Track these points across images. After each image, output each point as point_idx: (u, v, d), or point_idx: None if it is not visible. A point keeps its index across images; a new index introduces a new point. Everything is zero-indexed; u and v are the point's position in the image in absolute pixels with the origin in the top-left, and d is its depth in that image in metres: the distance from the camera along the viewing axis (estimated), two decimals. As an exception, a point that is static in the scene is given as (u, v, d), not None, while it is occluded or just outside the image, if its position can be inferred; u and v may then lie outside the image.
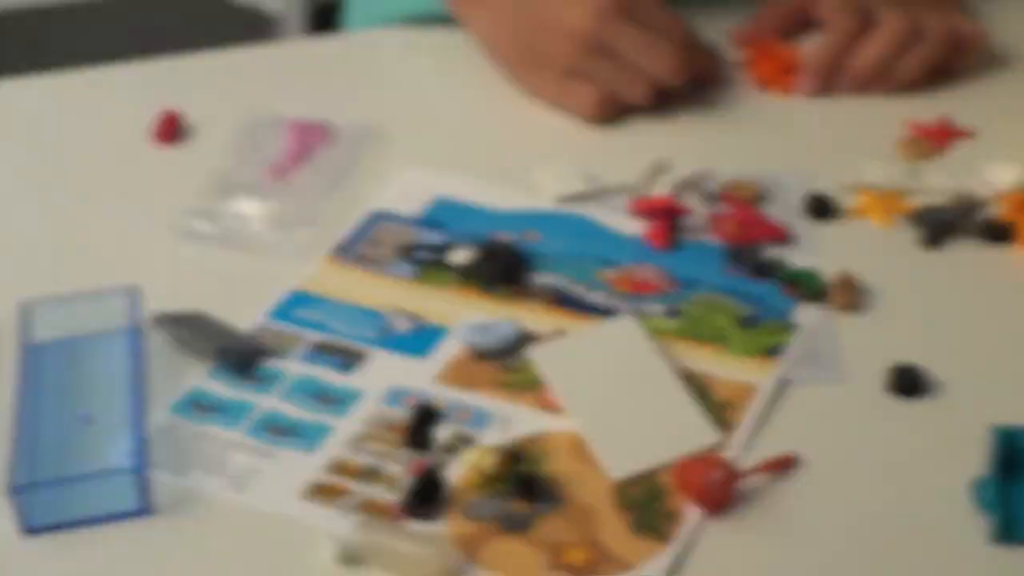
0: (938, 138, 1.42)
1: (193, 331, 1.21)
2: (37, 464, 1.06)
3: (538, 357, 1.16)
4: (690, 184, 1.33)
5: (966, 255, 1.29)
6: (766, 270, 1.25)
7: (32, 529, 1.01)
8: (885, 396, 1.16)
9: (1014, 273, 1.27)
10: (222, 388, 1.18)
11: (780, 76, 1.51)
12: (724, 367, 1.18)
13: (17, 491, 1.01)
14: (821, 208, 1.32)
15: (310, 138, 1.43)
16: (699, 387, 1.15)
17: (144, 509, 1.05)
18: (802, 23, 1.55)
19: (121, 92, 1.50)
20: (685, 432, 1.12)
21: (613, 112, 1.44)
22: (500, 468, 1.07)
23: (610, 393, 1.14)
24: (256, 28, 2.66)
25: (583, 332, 1.19)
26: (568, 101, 1.45)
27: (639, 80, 1.45)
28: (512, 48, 1.49)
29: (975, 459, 1.05)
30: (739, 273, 1.26)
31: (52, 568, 1.01)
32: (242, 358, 1.19)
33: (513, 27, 1.49)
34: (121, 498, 1.04)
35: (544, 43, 1.46)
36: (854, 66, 1.48)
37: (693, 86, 1.48)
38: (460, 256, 1.27)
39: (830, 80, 1.49)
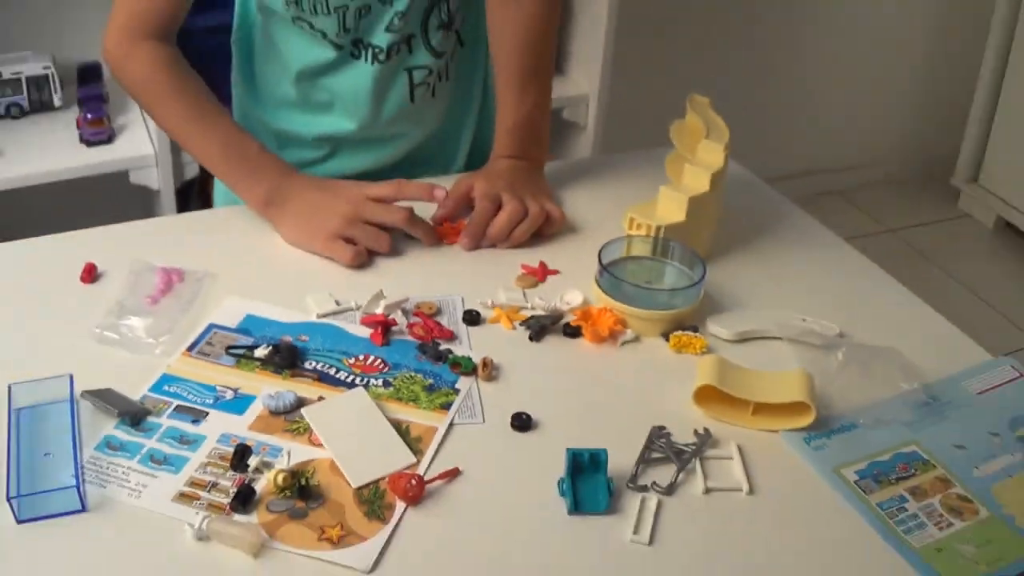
0: (539, 274, 1.49)
1: (106, 400, 1.24)
2: (22, 482, 1.12)
3: (307, 414, 1.21)
4: (395, 305, 1.38)
5: (555, 346, 1.37)
6: (441, 357, 1.30)
7: (21, 521, 1.07)
8: (510, 431, 1.25)
9: (581, 356, 1.36)
10: (124, 435, 1.21)
11: (451, 235, 1.57)
12: (417, 417, 1.23)
13: (12, 498, 1.07)
14: (472, 319, 1.38)
15: (172, 278, 1.46)
16: (403, 429, 1.21)
17: (82, 509, 1.11)
18: (470, 204, 1.60)
19: (62, 251, 1.53)
20: (395, 457, 1.20)
21: (362, 260, 1.48)
22: (287, 482, 1.14)
23: (350, 435, 1.20)
24: (146, 198, 2.60)
25: (334, 399, 1.24)
26: (336, 256, 1.50)
27: (382, 238, 1.51)
28: (302, 234, 1.54)
29: (560, 466, 1.15)
30: (425, 359, 1.31)
31: (35, 543, 1.06)
32: (134, 416, 1.23)
33: (301, 222, 1.55)
34: (70, 502, 1.11)
35: (320, 224, 1.52)
36: (489, 234, 1.55)
37: (405, 242, 1.54)
38: (261, 352, 1.29)
39: (476, 240, 1.55)
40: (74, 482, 1.07)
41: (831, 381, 1.29)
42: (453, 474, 1.14)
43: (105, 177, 2.58)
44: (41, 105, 2.72)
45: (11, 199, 2.52)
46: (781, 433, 1.21)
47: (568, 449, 1.11)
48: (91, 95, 2.65)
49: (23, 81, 2.67)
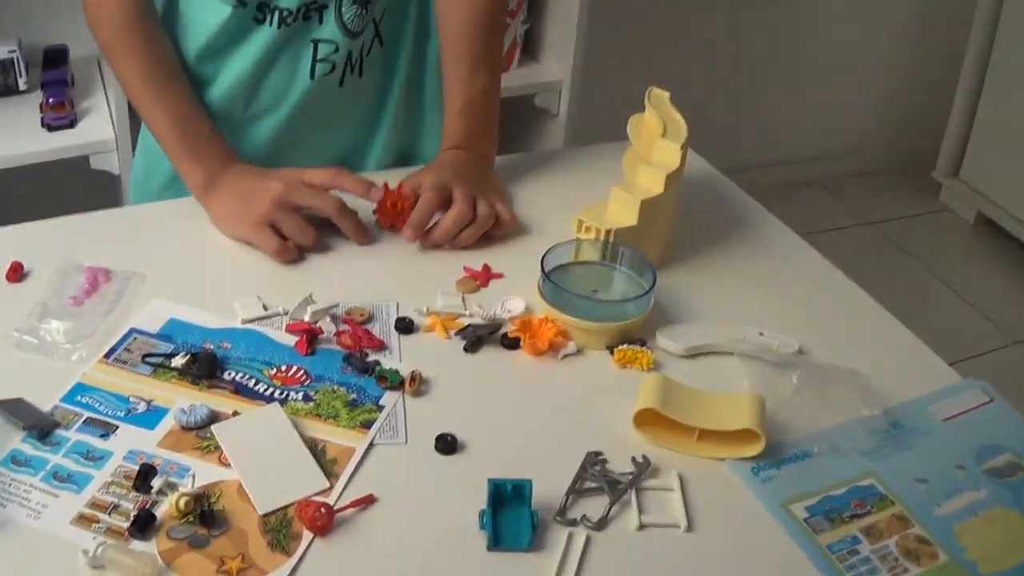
0: (481, 278, 1.41)
1: (13, 411, 1.18)
2: None
3: (217, 431, 1.14)
4: (323, 311, 1.31)
5: (491, 358, 1.29)
6: (367, 369, 1.23)
7: None
8: (434, 454, 1.17)
9: (519, 370, 1.28)
10: (30, 449, 1.15)
11: (396, 220, 1.49)
12: (336, 436, 1.16)
13: None
14: (405, 326, 1.31)
15: (98, 278, 1.40)
16: (319, 450, 1.14)
17: None
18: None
19: None
20: (306, 481, 1.13)
21: (289, 255, 1.44)
22: (189, 506, 1.07)
23: (260, 456, 1.13)
24: (108, 184, 2.57)
25: (247, 415, 1.17)
26: (261, 243, 1.45)
27: (307, 231, 1.45)
28: (231, 217, 1.48)
29: (483, 497, 1.07)
30: (350, 371, 1.24)
31: None
32: (42, 430, 1.17)
33: (233, 205, 1.48)
34: None
35: (250, 208, 1.45)
36: (433, 236, 1.48)
37: (342, 241, 1.48)
38: (178, 360, 1.26)
39: (420, 230, 1.48)
40: None
41: (785, 404, 1.21)
42: (367, 501, 1.07)
43: (66, 163, 2.52)
44: (6, 89, 2.67)
45: None
46: (727, 462, 1.13)
47: (489, 480, 1.03)
48: (55, 79, 2.60)
49: None
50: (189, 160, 1.48)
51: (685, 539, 1.08)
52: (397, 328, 1.31)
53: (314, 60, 1.54)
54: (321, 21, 1.51)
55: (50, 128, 2.55)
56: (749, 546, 1.08)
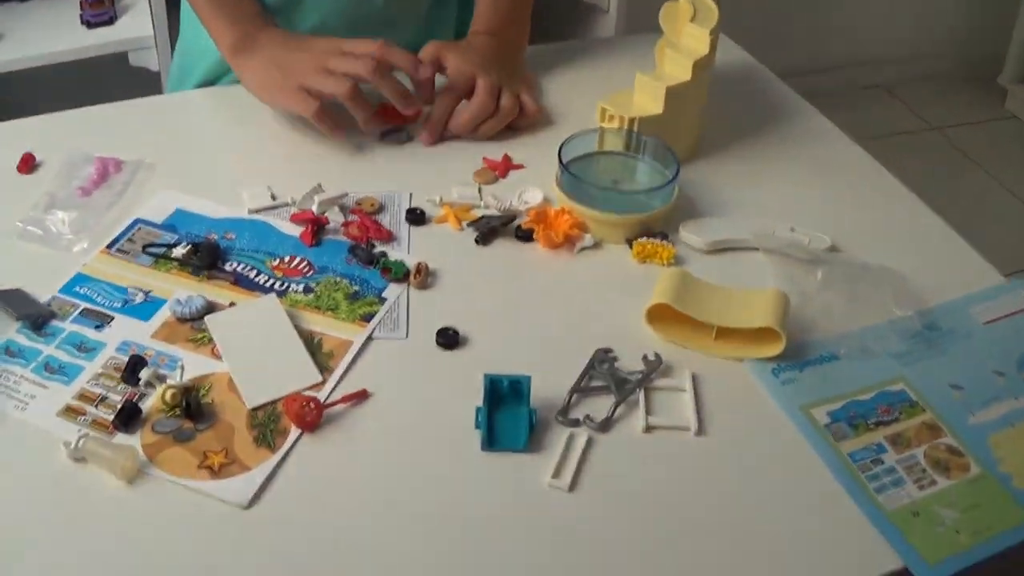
0: (500, 169, 1.35)
1: (9, 301, 1.15)
2: None
3: (209, 322, 1.10)
4: (331, 201, 1.26)
5: (504, 250, 1.24)
6: (372, 260, 1.19)
7: None
8: (435, 349, 1.11)
9: (532, 264, 1.22)
10: (24, 340, 1.12)
11: (395, 118, 1.42)
12: (333, 328, 1.12)
13: None
14: (416, 217, 1.26)
15: (108, 168, 1.35)
16: (314, 343, 1.10)
17: None
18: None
19: (3, 139, 1.43)
20: (298, 375, 1.08)
21: (328, 118, 1.35)
22: (176, 399, 1.03)
23: (253, 348, 1.08)
24: (146, 80, 2.54)
25: (242, 306, 1.13)
26: (300, 108, 1.36)
27: (343, 84, 1.35)
28: (265, 82, 1.40)
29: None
30: (355, 262, 1.20)
31: None
32: (35, 320, 1.14)
33: (266, 71, 1.40)
34: None
35: (286, 73, 1.37)
36: (452, 126, 1.41)
37: (357, 132, 1.41)
38: (179, 251, 1.21)
39: (437, 135, 1.42)
40: None
41: (811, 302, 1.11)
42: (359, 397, 1.02)
43: (107, 59, 2.50)
44: (46, -14, 2.56)
45: (11, 81, 2.46)
46: (746, 362, 1.06)
47: (485, 375, 0.97)
48: None
49: None
50: (220, 19, 1.39)
51: (694, 443, 1.01)
52: (408, 219, 1.25)
53: None
54: None
55: (89, 24, 2.52)
56: (763, 452, 1.00)
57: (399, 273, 1.16)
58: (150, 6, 2.54)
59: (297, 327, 1.12)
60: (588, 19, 2.93)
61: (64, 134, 1.44)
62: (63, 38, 2.51)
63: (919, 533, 0.88)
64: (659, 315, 1.10)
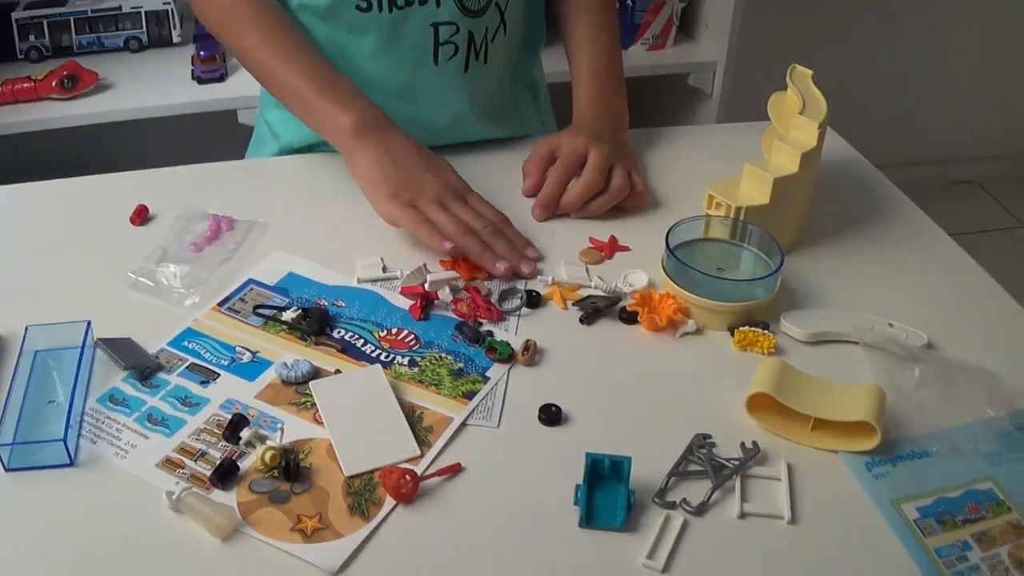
0: (607, 250, 1.37)
1: (118, 350, 1.17)
2: (20, 429, 1.06)
3: (314, 387, 1.12)
4: (443, 281, 1.29)
5: (608, 331, 1.24)
6: (478, 339, 1.20)
7: (8, 469, 1.03)
8: (537, 425, 1.12)
9: (635, 346, 1.22)
10: (130, 389, 1.14)
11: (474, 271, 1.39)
12: (435, 404, 1.12)
13: (2, 445, 1.02)
14: (532, 300, 1.29)
15: (221, 226, 1.38)
16: (415, 416, 1.11)
17: (71, 463, 1.05)
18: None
19: (119, 190, 1.49)
20: (398, 447, 1.09)
21: (438, 238, 1.33)
22: (275, 460, 1.04)
23: (355, 417, 1.10)
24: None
25: (348, 374, 1.14)
26: (404, 219, 1.34)
27: (459, 228, 1.34)
28: (381, 177, 1.38)
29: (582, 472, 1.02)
30: (461, 340, 1.21)
31: (19, 492, 1.02)
32: (142, 371, 1.16)
33: (387, 165, 1.39)
34: (57, 456, 1.04)
35: (405, 184, 1.38)
36: (563, 202, 1.43)
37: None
38: (289, 315, 1.23)
39: (550, 210, 1.44)
40: (62, 435, 1.02)
41: (907, 399, 1.13)
42: (454, 470, 1.03)
43: (214, 115, 2.54)
44: (160, 40, 2.72)
45: (119, 132, 2.52)
46: (840, 454, 1.08)
47: (588, 453, 0.98)
48: (207, 32, 2.52)
49: (143, 15, 2.66)
50: (334, 107, 1.36)
51: (787, 531, 1.01)
52: (524, 301, 1.28)
53: (436, 44, 1.46)
54: (438, 3, 1.44)
55: (200, 80, 2.57)
56: (853, 543, 1.00)
57: (504, 354, 1.16)
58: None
59: (400, 399, 1.13)
60: (693, 103, 2.99)
61: (177, 188, 1.48)
62: (174, 92, 2.55)
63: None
64: (758, 404, 1.10)
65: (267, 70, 1.42)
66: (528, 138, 1.60)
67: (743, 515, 1.02)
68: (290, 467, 1.02)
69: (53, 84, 2.45)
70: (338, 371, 1.15)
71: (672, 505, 1.02)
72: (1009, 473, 1.06)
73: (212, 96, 2.55)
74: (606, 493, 1.01)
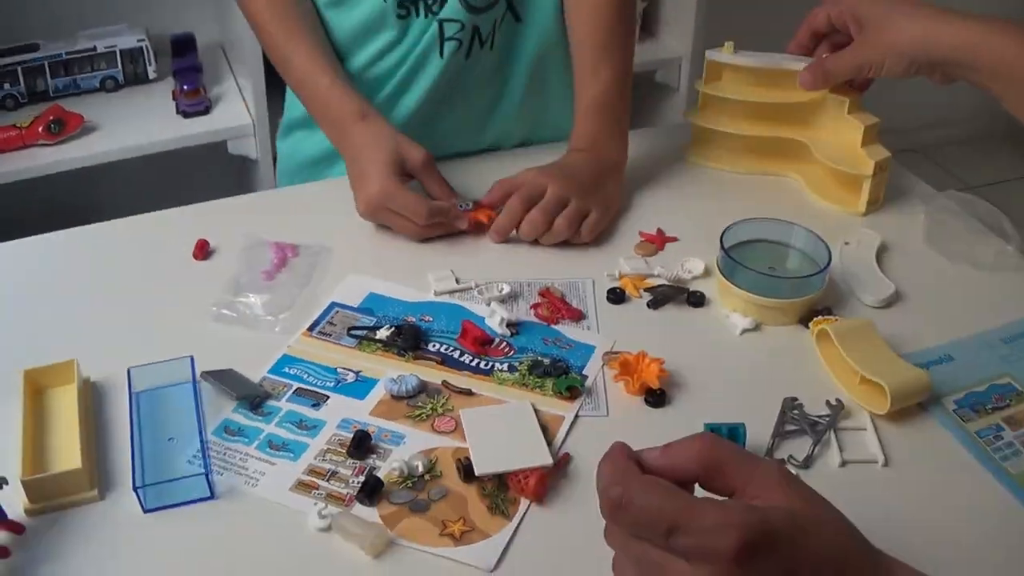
0: (658, 242, 1.45)
1: (225, 382, 1.21)
2: (147, 470, 1.08)
3: (463, 415, 1.17)
4: (515, 292, 1.35)
5: (677, 315, 1.34)
6: (559, 373, 1.24)
7: (148, 510, 1.05)
8: (644, 409, 1.20)
9: (703, 328, 1.32)
10: (242, 419, 1.18)
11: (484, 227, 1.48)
12: (544, 404, 1.18)
13: (137, 488, 1.05)
14: (617, 296, 1.37)
15: (286, 253, 1.42)
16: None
17: (211, 496, 1.09)
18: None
19: (171, 227, 1.52)
20: (531, 455, 1.12)
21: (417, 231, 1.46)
22: (410, 471, 1.10)
23: (496, 433, 1.14)
24: (245, 168, 2.60)
25: (497, 408, 1.20)
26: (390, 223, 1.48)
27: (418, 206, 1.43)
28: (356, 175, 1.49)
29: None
30: (551, 343, 1.27)
31: (160, 534, 1.04)
32: (253, 400, 1.20)
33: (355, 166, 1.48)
34: (199, 490, 1.08)
35: (366, 183, 1.48)
36: (520, 230, 1.46)
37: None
38: (383, 333, 1.28)
39: (502, 237, 1.48)
40: (203, 470, 1.04)
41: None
42: (563, 461, 1.11)
43: (203, 148, 2.57)
44: (136, 78, 2.74)
45: (109, 173, 2.54)
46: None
47: (705, 424, 1.05)
48: (186, 67, 2.67)
49: (117, 54, 2.68)
50: (341, 90, 1.48)
51: (884, 472, 1.12)
52: (608, 299, 1.35)
53: (442, 40, 1.54)
54: (443, 2, 1.50)
55: (186, 115, 2.59)
56: (929, 458, 1.15)
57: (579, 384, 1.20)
58: (242, 95, 2.64)
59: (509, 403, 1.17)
60: (660, 98, 3.11)
61: (224, 220, 1.53)
62: (160, 128, 2.58)
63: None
64: (827, 342, 1.23)
65: (278, 46, 1.52)
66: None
67: (843, 463, 1.13)
68: (429, 477, 1.10)
69: (40, 130, 2.47)
70: (445, 383, 1.20)
71: (781, 462, 1.12)
72: (1021, 370, 1.22)
73: (201, 129, 2.58)
74: None
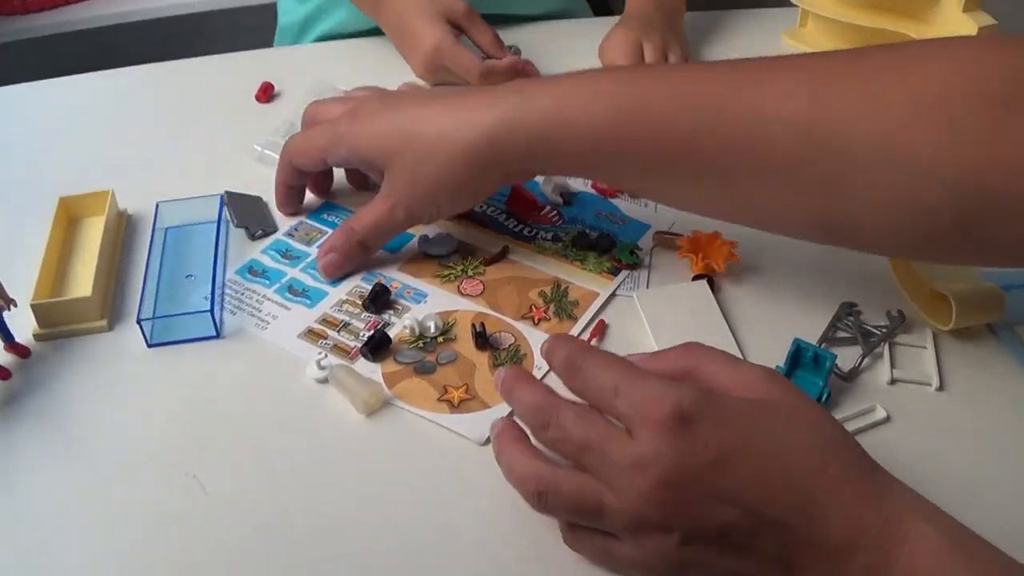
0: None
1: (240, 206, 1.21)
2: (159, 304, 1.07)
3: (638, 298, 1.11)
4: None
5: None
6: (607, 247, 1.18)
7: (151, 345, 1.04)
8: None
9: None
10: (268, 260, 1.15)
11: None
12: (580, 279, 1.13)
13: (141, 320, 1.03)
14: None
15: (350, 102, 1.31)
16: (561, 291, 1.11)
17: (216, 335, 1.06)
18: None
19: (242, 69, 1.51)
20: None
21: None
22: (421, 331, 1.05)
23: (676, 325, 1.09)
24: None
25: (674, 287, 1.12)
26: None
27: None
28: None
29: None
30: (604, 217, 1.22)
31: (163, 369, 1.03)
32: (255, 232, 1.20)
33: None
34: (203, 327, 1.05)
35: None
36: None
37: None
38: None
39: None
40: (207, 306, 1.03)
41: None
42: (598, 330, 1.03)
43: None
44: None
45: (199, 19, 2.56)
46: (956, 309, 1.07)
47: (795, 339, 0.98)
48: None
49: None
50: None
51: (935, 397, 1.00)
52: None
53: None
54: None
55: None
56: (990, 386, 1.02)
57: (626, 259, 1.16)
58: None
59: (543, 273, 1.12)
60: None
61: (299, 67, 1.51)
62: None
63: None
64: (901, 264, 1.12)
65: None
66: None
67: (893, 381, 1.01)
68: (437, 339, 1.05)
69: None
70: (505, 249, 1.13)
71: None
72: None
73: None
74: (801, 381, 0.99)
